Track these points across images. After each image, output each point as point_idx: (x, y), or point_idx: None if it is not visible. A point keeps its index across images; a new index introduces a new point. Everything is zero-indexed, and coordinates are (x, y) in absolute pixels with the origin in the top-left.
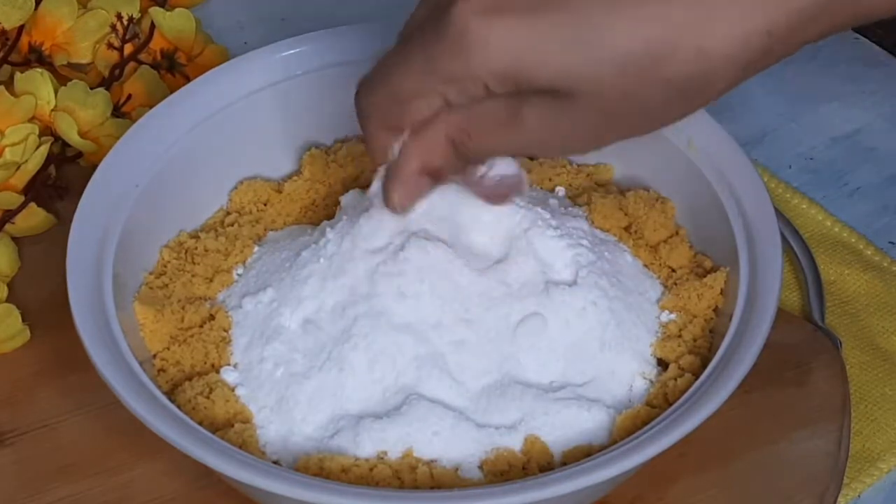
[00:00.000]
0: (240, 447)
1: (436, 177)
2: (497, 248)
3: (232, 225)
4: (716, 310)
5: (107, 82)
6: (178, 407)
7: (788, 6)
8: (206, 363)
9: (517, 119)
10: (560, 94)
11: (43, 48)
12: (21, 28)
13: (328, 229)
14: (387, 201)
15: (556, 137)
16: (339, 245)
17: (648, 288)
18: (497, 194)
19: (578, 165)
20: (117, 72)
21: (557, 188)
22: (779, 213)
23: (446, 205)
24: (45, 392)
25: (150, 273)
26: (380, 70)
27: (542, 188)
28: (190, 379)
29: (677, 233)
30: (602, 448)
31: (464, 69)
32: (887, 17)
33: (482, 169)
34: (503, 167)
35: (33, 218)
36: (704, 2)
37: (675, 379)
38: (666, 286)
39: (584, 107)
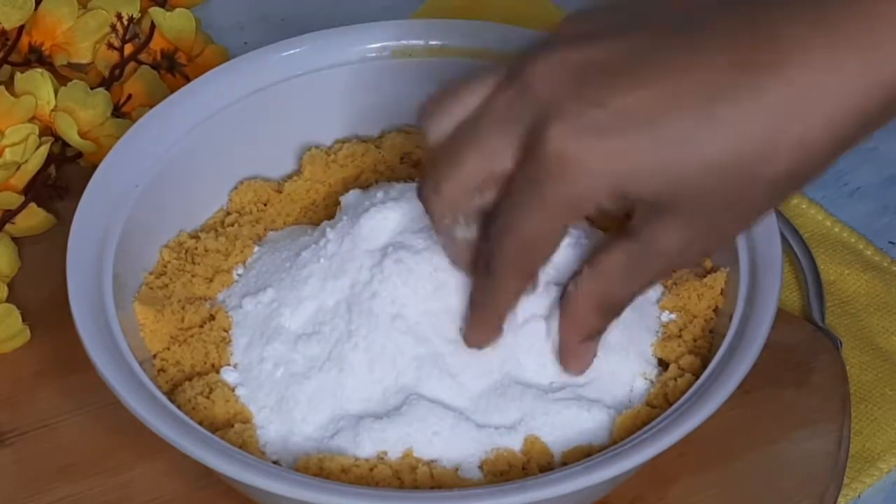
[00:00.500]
0: (240, 447)
1: (598, 338)
2: None
3: (232, 225)
4: (716, 310)
5: (107, 82)
6: (178, 407)
7: (880, 80)
8: (206, 363)
9: (643, 254)
10: (662, 211)
11: (43, 48)
12: (21, 28)
13: (328, 229)
14: (563, 364)
15: (686, 254)
16: (340, 245)
17: None
18: None
19: None
20: (117, 72)
21: None
22: (779, 213)
23: None
24: (45, 392)
25: (151, 273)
26: (501, 224)
27: None
28: (190, 379)
29: None
30: (602, 448)
31: (578, 192)
32: None
33: None
34: None
35: (33, 218)
36: (793, 92)
37: (676, 379)
38: (666, 286)
39: (691, 215)
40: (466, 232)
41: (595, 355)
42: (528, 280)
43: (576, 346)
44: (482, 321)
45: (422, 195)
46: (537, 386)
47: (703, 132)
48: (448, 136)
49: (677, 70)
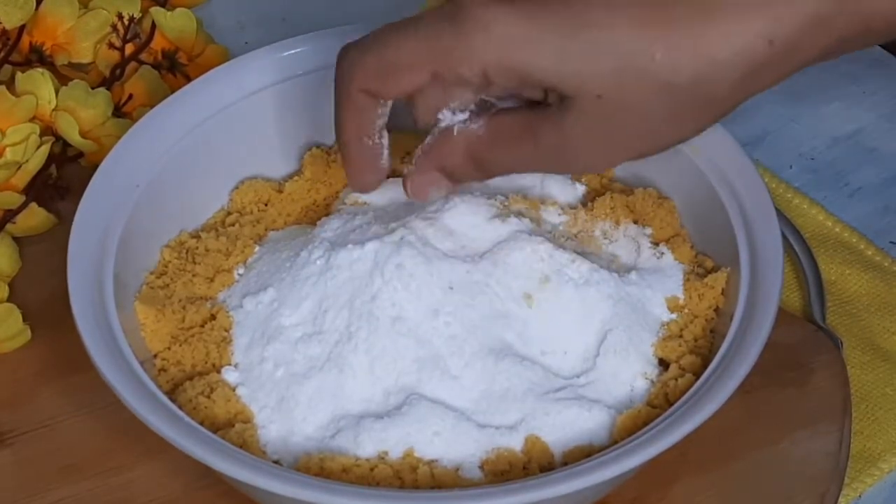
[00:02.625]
0: (240, 447)
1: (453, 180)
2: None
3: (233, 225)
4: (717, 310)
5: (108, 82)
6: (179, 407)
7: (792, 14)
8: (206, 363)
9: (530, 133)
10: (566, 102)
11: (44, 48)
12: (22, 28)
13: (327, 228)
14: (405, 181)
15: (571, 152)
16: (337, 244)
17: None
18: None
19: None
20: (118, 72)
21: (577, 185)
22: (780, 213)
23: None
24: (45, 392)
25: (151, 273)
26: (376, 35)
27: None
28: (191, 379)
29: (679, 233)
30: (603, 448)
31: (464, 51)
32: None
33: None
34: None
35: (34, 218)
36: (705, 5)
37: (676, 379)
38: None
39: (588, 113)
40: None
41: (437, 193)
42: (370, 99)
43: (428, 169)
44: (343, 154)
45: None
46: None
47: (606, 22)
48: None
49: None
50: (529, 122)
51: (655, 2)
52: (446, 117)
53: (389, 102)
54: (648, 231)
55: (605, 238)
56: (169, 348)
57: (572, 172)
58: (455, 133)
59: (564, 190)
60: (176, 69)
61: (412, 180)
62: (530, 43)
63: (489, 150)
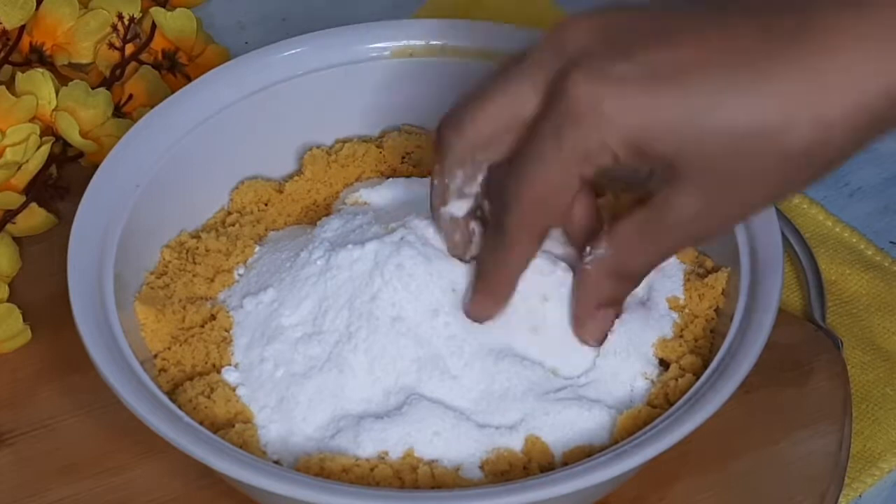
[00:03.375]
0: (240, 447)
1: (616, 306)
2: None
3: (233, 225)
4: (717, 310)
5: (108, 82)
6: (179, 407)
7: None
8: (206, 363)
9: (659, 221)
10: (678, 177)
11: (44, 48)
12: (22, 28)
13: (326, 228)
14: (576, 332)
15: (700, 224)
16: (336, 245)
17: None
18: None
19: None
20: (118, 72)
21: None
22: (780, 213)
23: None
24: (45, 392)
25: (152, 273)
26: (516, 172)
27: None
28: (191, 379)
29: None
30: (603, 448)
31: (596, 139)
32: None
33: None
34: None
35: (34, 218)
36: (819, 69)
37: (676, 379)
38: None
39: (707, 184)
40: (462, 206)
41: (612, 325)
42: (539, 238)
43: (589, 313)
44: (490, 287)
45: (440, 132)
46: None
47: (727, 96)
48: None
49: (708, 34)
50: (649, 215)
51: (763, 70)
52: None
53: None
54: None
55: None
56: (169, 348)
57: (693, 243)
58: (589, 268)
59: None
60: (176, 69)
61: (584, 332)
62: (653, 119)
63: (630, 259)
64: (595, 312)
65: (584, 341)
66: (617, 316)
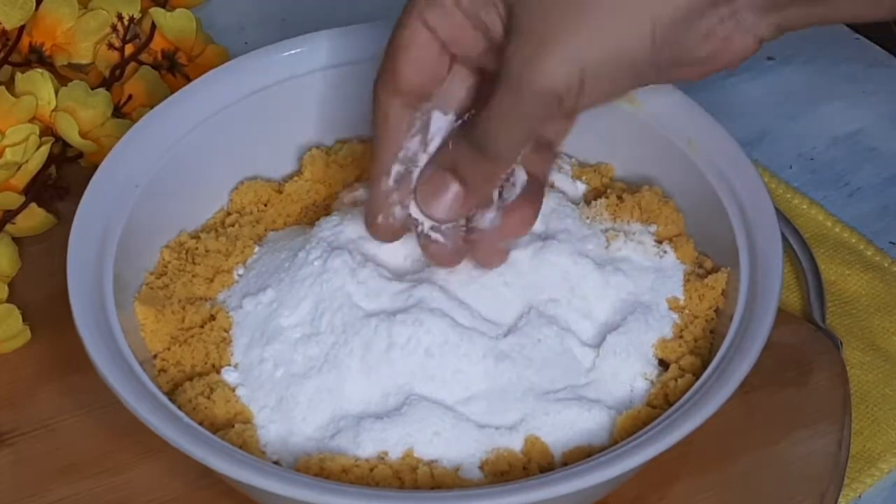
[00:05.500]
0: (240, 447)
1: (462, 183)
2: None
3: (233, 225)
4: (717, 310)
5: (107, 82)
6: (179, 407)
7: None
8: (206, 363)
9: (514, 101)
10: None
11: (43, 48)
12: (22, 28)
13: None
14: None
15: (556, 94)
16: (331, 246)
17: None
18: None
19: (581, 166)
20: (118, 72)
21: (578, 183)
22: (779, 214)
23: None
24: (45, 392)
25: (151, 273)
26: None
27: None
28: (190, 379)
29: (683, 232)
30: (602, 448)
31: None
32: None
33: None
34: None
35: (34, 218)
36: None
37: (676, 379)
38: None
39: (569, 45)
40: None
41: (450, 200)
42: (402, 99)
43: (433, 170)
44: (377, 174)
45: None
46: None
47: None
48: None
49: None
50: (500, 93)
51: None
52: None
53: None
54: (652, 229)
55: (609, 236)
56: (168, 349)
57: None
58: (454, 134)
59: (565, 188)
60: (176, 69)
61: (421, 189)
62: None
63: (484, 131)
64: (439, 173)
65: (417, 201)
66: (464, 200)
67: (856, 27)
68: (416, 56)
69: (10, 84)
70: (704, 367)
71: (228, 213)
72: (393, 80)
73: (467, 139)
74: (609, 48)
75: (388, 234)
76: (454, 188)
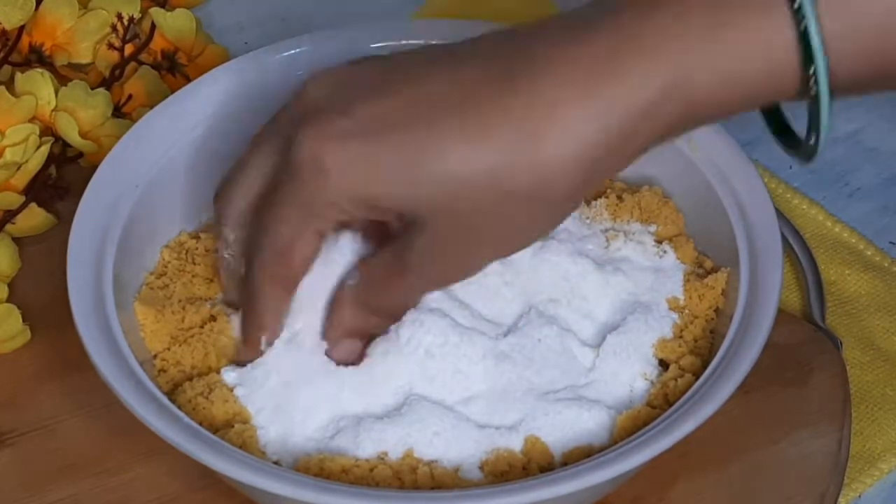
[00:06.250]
0: (240, 448)
1: (365, 337)
2: None
3: None
4: (716, 310)
5: (107, 82)
6: (179, 407)
7: (621, 105)
8: (206, 363)
9: (401, 263)
10: (414, 223)
11: (43, 48)
12: (21, 28)
13: None
14: (332, 353)
15: (438, 269)
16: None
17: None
18: None
19: None
20: (118, 72)
21: None
22: (779, 214)
23: None
24: (45, 392)
25: (151, 273)
26: (256, 229)
27: None
28: (190, 379)
29: (683, 232)
30: (602, 449)
31: (320, 201)
32: (748, 110)
33: None
34: None
35: (34, 218)
36: (536, 111)
37: (676, 379)
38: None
39: (437, 231)
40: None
41: (357, 354)
42: (286, 288)
43: (336, 338)
44: (247, 336)
45: (215, 204)
46: (539, 387)
47: (440, 149)
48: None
49: (430, 81)
50: (397, 254)
51: (480, 119)
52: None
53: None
54: (652, 229)
55: (609, 236)
56: (168, 349)
57: (440, 287)
58: (342, 294)
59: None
60: (175, 69)
61: (335, 352)
62: (374, 175)
63: (376, 295)
64: (342, 339)
65: (333, 355)
66: (365, 345)
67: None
68: (306, 258)
69: (10, 84)
70: (704, 367)
71: None
72: (282, 278)
73: (370, 310)
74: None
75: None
76: (360, 345)
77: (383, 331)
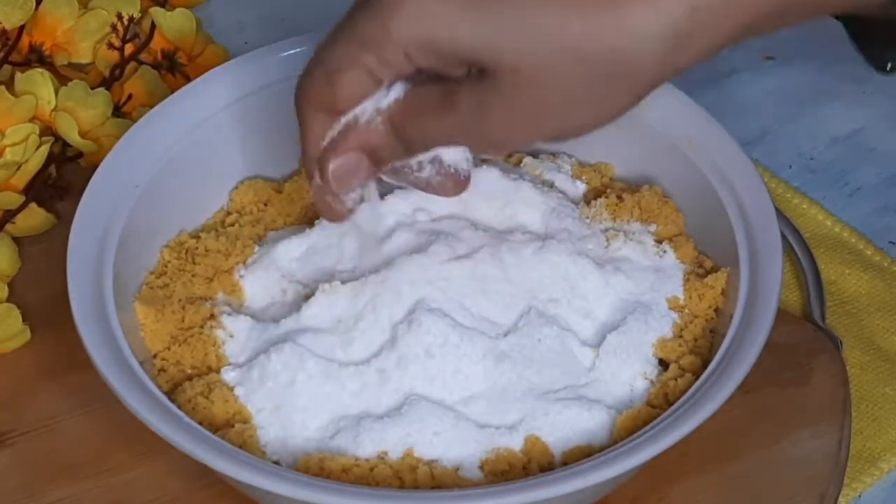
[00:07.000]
0: (240, 447)
1: (375, 160)
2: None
3: (232, 225)
4: (716, 310)
5: (107, 82)
6: (179, 407)
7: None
8: (206, 363)
9: (450, 102)
10: (486, 75)
11: (43, 48)
12: (22, 28)
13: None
14: (320, 177)
15: (489, 123)
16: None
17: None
18: (435, 184)
19: (581, 165)
20: (118, 72)
21: (577, 182)
22: (779, 213)
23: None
24: (45, 392)
25: (151, 273)
26: (319, 49)
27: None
28: (190, 379)
29: (682, 232)
30: (602, 448)
31: (383, 35)
32: (840, 11)
33: (419, 159)
34: (450, 156)
35: (34, 218)
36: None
37: (676, 379)
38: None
39: (504, 86)
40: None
41: (360, 181)
42: (328, 112)
43: (347, 148)
44: (305, 171)
45: (300, 101)
46: (539, 387)
47: (540, 4)
48: None
49: None
50: (450, 92)
51: None
52: (367, 109)
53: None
54: (652, 228)
55: (609, 236)
56: (168, 348)
57: (489, 148)
58: (381, 108)
59: (564, 187)
60: (175, 69)
61: (330, 164)
62: (446, 18)
63: (411, 119)
64: (352, 153)
65: (318, 178)
66: (367, 177)
67: (855, 30)
68: (354, 92)
69: (10, 84)
70: (704, 367)
71: (228, 213)
72: (322, 103)
73: (396, 133)
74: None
75: (341, 217)
76: (365, 168)
77: (392, 160)
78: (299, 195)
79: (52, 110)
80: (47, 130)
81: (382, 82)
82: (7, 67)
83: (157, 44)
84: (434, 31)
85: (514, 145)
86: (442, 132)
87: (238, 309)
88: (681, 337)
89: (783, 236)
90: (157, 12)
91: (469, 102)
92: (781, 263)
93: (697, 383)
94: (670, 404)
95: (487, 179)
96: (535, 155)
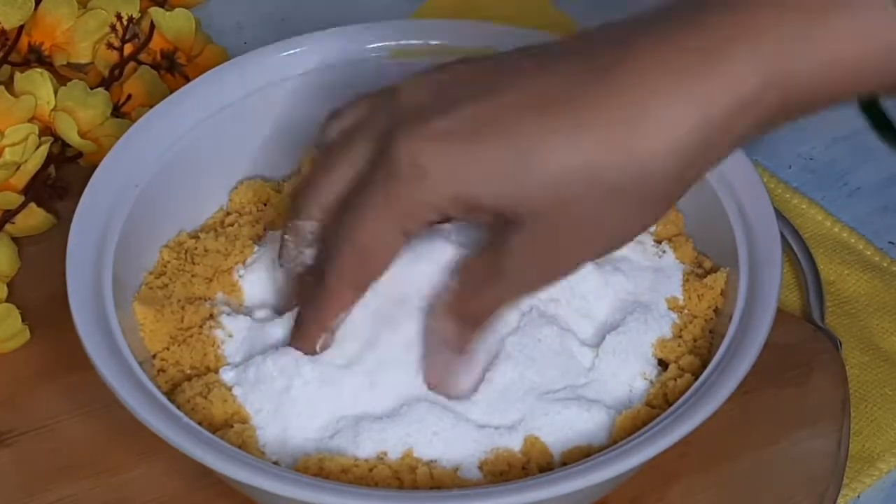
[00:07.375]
0: (239, 447)
1: (458, 349)
2: None
3: (232, 225)
4: (716, 310)
5: (107, 82)
6: (178, 407)
7: (721, 94)
8: (205, 363)
9: (497, 267)
10: (513, 224)
11: (43, 48)
12: (21, 28)
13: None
14: (426, 377)
15: (535, 270)
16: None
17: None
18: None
19: None
20: (117, 72)
21: None
22: (779, 214)
23: None
24: (45, 392)
25: (150, 273)
26: (341, 227)
27: None
28: (189, 379)
29: (682, 232)
30: (602, 448)
31: (417, 196)
32: (822, 109)
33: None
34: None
35: (33, 218)
36: (634, 103)
37: (675, 379)
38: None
39: (536, 230)
40: (308, 256)
41: (449, 371)
42: (360, 289)
43: (431, 351)
44: (305, 333)
45: (294, 200)
46: (539, 387)
47: (544, 140)
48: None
49: (529, 81)
50: (493, 259)
51: (579, 115)
52: None
53: None
54: (652, 228)
55: None
56: (168, 348)
57: (548, 287)
58: (436, 306)
59: None
60: (175, 69)
61: (428, 370)
62: (473, 176)
63: (465, 301)
64: (437, 352)
65: (427, 384)
66: (462, 363)
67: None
68: (387, 260)
69: (9, 84)
70: (704, 367)
71: (228, 213)
72: (357, 282)
73: (462, 318)
74: None
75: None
76: (455, 360)
77: (464, 342)
78: None
79: (52, 110)
80: (47, 130)
81: (409, 239)
82: (6, 67)
83: (156, 44)
84: (459, 189)
85: (553, 282)
86: (501, 297)
87: (237, 309)
88: (680, 337)
89: (782, 236)
90: (156, 12)
91: (511, 258)
92: (781, 263)
93: (697, 384)
94: (670, 404)
95: None
96: None
